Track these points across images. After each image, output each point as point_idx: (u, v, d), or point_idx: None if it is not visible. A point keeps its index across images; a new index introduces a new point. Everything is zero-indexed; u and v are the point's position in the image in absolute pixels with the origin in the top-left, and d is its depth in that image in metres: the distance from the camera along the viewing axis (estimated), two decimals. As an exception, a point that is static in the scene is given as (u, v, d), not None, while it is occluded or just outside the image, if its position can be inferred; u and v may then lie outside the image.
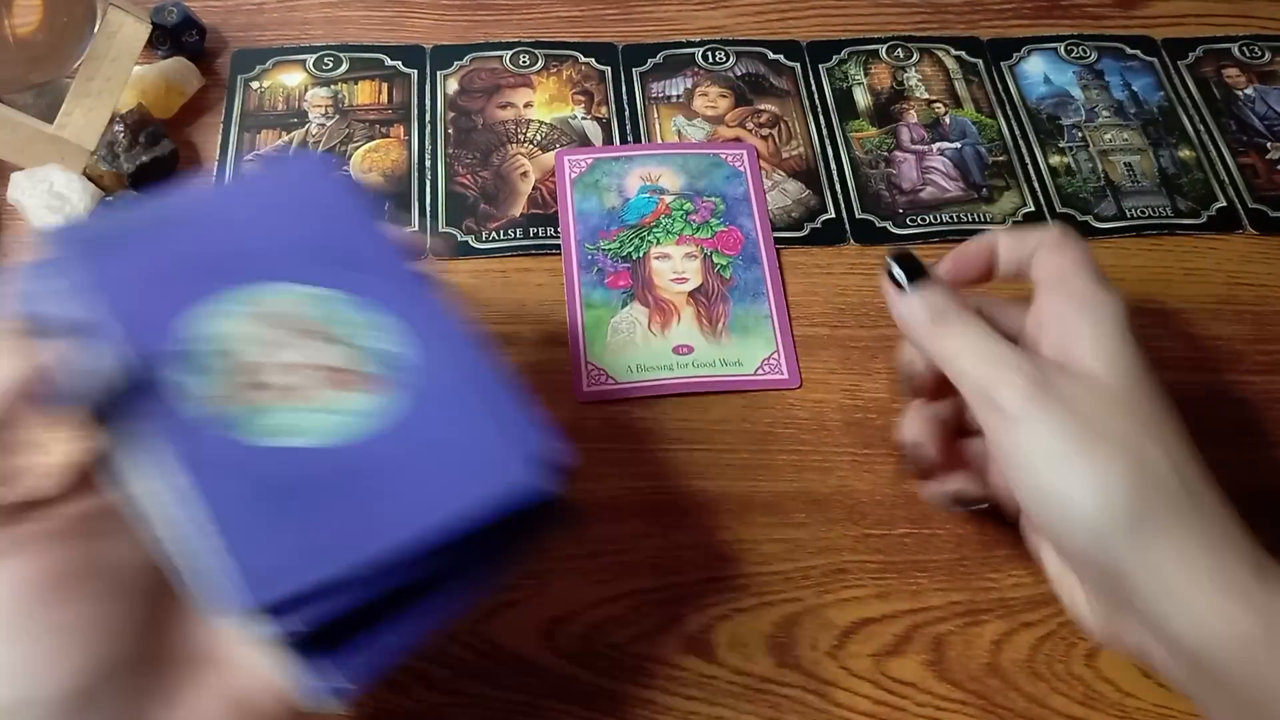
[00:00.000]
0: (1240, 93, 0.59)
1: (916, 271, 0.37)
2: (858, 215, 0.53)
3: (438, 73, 0.57)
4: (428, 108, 0.56)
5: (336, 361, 0.32)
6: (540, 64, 0.58)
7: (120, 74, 0.51)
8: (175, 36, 0.56)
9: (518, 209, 0.52)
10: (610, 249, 0.50)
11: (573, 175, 0.53)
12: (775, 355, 0.47)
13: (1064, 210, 0.53)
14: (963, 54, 0.60)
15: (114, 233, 0.33)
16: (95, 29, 0.50)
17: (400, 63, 0.58)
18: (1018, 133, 0.57)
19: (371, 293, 0.33)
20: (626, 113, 0.56)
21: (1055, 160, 0.56)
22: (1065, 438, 0.32)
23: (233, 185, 0.35)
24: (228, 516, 0.28)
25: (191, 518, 0.28)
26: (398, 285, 0.33)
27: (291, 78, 0.57)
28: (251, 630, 0.28)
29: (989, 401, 0.34)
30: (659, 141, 0.55)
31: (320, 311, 0.32)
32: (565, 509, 0.33)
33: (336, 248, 0.34)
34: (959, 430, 0.40)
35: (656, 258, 0.50)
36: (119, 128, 0.50)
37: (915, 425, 0.39)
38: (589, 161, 0.53)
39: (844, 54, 0.60)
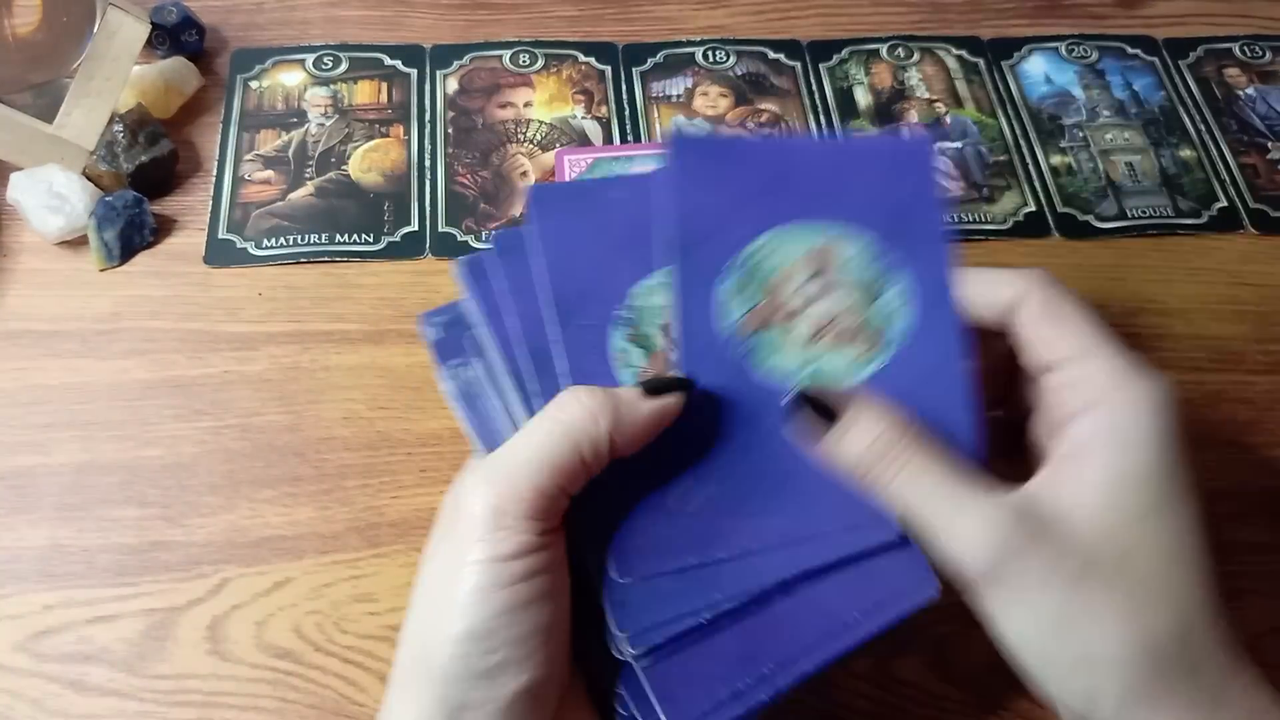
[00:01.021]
0: (1241, 92, 0.59)
1: (825, 408, 0.30)
2: (858, 215, 0.53)
3: (437, 72, 0.57)
4: (427, 107, 0.56)
5: (851, 313, 0.33)
6: (540, 63, 0.58)
7: (120, 74, 0.51)
8: (174, 36, 0.56)
9: (518, 209, 0.52)
10: (610, 249, 0.50)
11: (573, 175, 0.53)
12: (776, 355, 0.47)
13: (1065, 210, 0.53)
14: (964, 53, 0.60)
15: (579, 197, 0.35)
16: (95, 29, 0.50)
17: (400, 62, 0.57)
18: (1019, 132, 0.56)
19: (901, 252, 0.34)
20: (626, 112, 0.56)
21: (1056, 160, 0.55)
22: (1044, 613, 0.27)
23: (834, 139, 0.38)
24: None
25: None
26: (926, 254, 0.34)
27: (291, 77, 0.56)
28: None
29: (954, 566, 0.28)
30: (659, 141, 0.55)
31: (854, 260, 0.34)
32: (915, 568, 0.32)
33: (891, 204, 0.34)
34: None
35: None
36: (118, 128, 0.50)
37: None
38: (589, 161, 0.53)
39: (845, 53, 0.60)
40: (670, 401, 0.30)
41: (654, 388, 0.30)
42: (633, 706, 0.30)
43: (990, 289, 0.32)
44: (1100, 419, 0.29)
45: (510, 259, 0.34)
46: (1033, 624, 0.28)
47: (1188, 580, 0.28)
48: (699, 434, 0.31)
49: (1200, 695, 0.27)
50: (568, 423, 0.28)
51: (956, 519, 0.28)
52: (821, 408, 0.30)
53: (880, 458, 0.29)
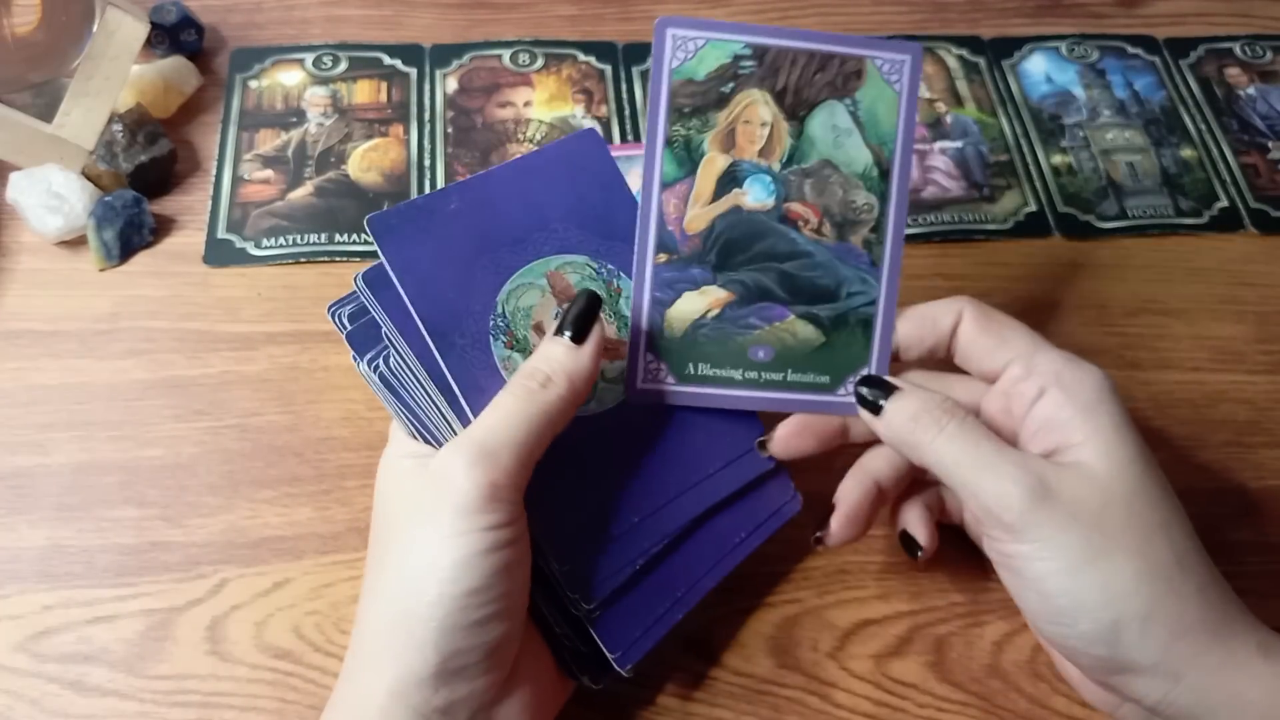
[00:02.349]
0: (1241, 92, 0.59)
1: (886, 387, 0.35)
2: (858, 215, 0.53)
3: (437, 71, 0.57)
4: (427, 106, 0.56)
5: (609, 334, 0.36)
6: (540, 62, 0.58)
7: (119, 73, 0.51)
8: (174, 35, 0.56)
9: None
10: (610, 249, 0.50)
11: (573, 174, 0.53)
12: (776, 355, 0.47)
13: (1066, 210, 0.53)
14: (964, 53, 0.60)
15: (417, 217, 0.35)
16: (94, 28, 0.50)
17: (399, 61, 0.57)
18: (1019, 132, 0.56)
19: (625, 262, 0.37)
20: (626, 111, 0.56)
21: (1057, 159, 0.55)
22: (1072, 549, 0.31)
23: (519, 161, 0.37)
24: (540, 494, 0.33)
25: None
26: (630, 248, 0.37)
27: (290, 77, 0.56)
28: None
29: (989, 514, 0.33)
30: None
31: (595, 284, 0.37)
32: (782, 488, 0.39)
33: (605, 219, 0.37)
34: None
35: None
36: (117, 127, 0.50)
37: (910, 516, 0.38)
38: (589, 161, 0.53)
39: (845, 53, 0.59)
40: (599, 334, 0.33)
41: (580, 329, 0.33)
42: (575, 639, 0.35)
43: (928, 322, 0.37)
44: (1061, 395, 0.34)
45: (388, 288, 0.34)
46: (1059, 562, 0.32)
47: (1174, 516, 0.33)
48: (580, 445, 0.35)
49: (1211, 613, 0.32)
50: (546, 403, 0.32)
51: (988, 474, 0.33)
52: (879, 385, 0.36)
53: (921, 426, 0.34)
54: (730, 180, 0.37)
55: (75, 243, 0.49)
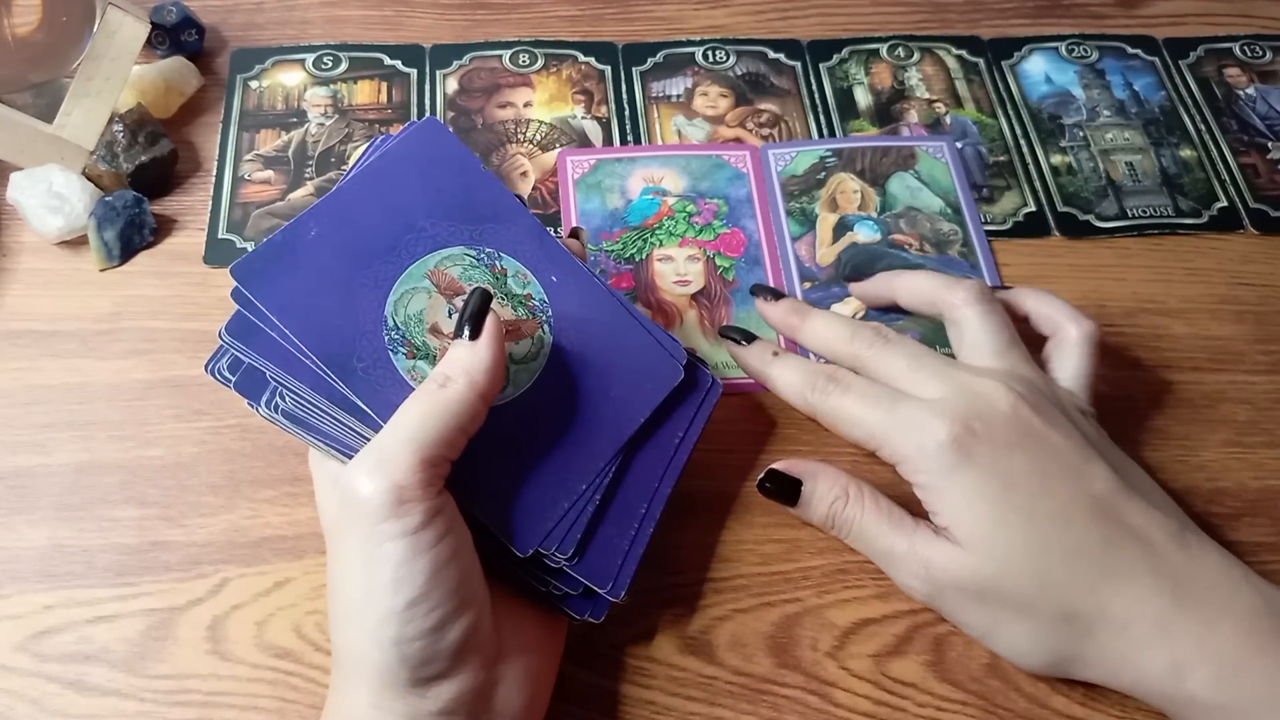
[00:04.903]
0: (1241, 92, 0.59)
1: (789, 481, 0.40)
2: (858, 215, 0.53)
3: (437, 72, 0.57)
4: (427, 107, 0.56)
5: (506, 316, 0.36)
6: (540, 63, 0.58)
7: (119, 74, 0.51)
8: (174, 36, 0.56)
9: (518, 209, 0.52)
10: (613, 250, 0.50)
11: (575, 176, 0.53)
12: (776, 355, 0.47)
13: (1065, 210, 0.53)
14: (964, 53, 0.60)
15: (280, 254, 0.34)
16: (94, 29, 0.50)
17: (399, 62, 0.57)
18: (1019, 132, 0.56)
19: (501, 241, 0.37)
20: (626, 112, 0.56)
21: (1057, 160, 0.55)
22: (973, 627, 0.37)
23: (367, 170, 0.37)
24: (477, 479, 0.33)
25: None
26: (515, 230, 0.38)
27: (291, 77, 0.56)
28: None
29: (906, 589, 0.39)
30: (659, 141, 0.55)
31: (478, 272, 0.37)
32: (702, 378, 0.40)
33: (469, 204, 0.37)
34: None
35: (659, 260, 0.50)
36: (118, 127, 0.50)
37: None
38: (592, 162, 0.53)
39: (845, 53, 0.60)
40: (494, 325, 0.33)
41: (474, 326, 0.33)
42: (563, 588, 0.35)
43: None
44: (913, 476, 0.37)
45: (263, 332, 0.34)
46: (971, 631, 0.38)
47: (1051, 572, 0.35)
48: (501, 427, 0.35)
49: (1107, 648, 0.35)
50: (445, 400, 0.32)
51: (890, 566, 0.38)
52: (782, 478, 0.39)
53: (838, 516, 0.39)
54: (843, 227, 0.50)
55: (76, 243, 0.49)
